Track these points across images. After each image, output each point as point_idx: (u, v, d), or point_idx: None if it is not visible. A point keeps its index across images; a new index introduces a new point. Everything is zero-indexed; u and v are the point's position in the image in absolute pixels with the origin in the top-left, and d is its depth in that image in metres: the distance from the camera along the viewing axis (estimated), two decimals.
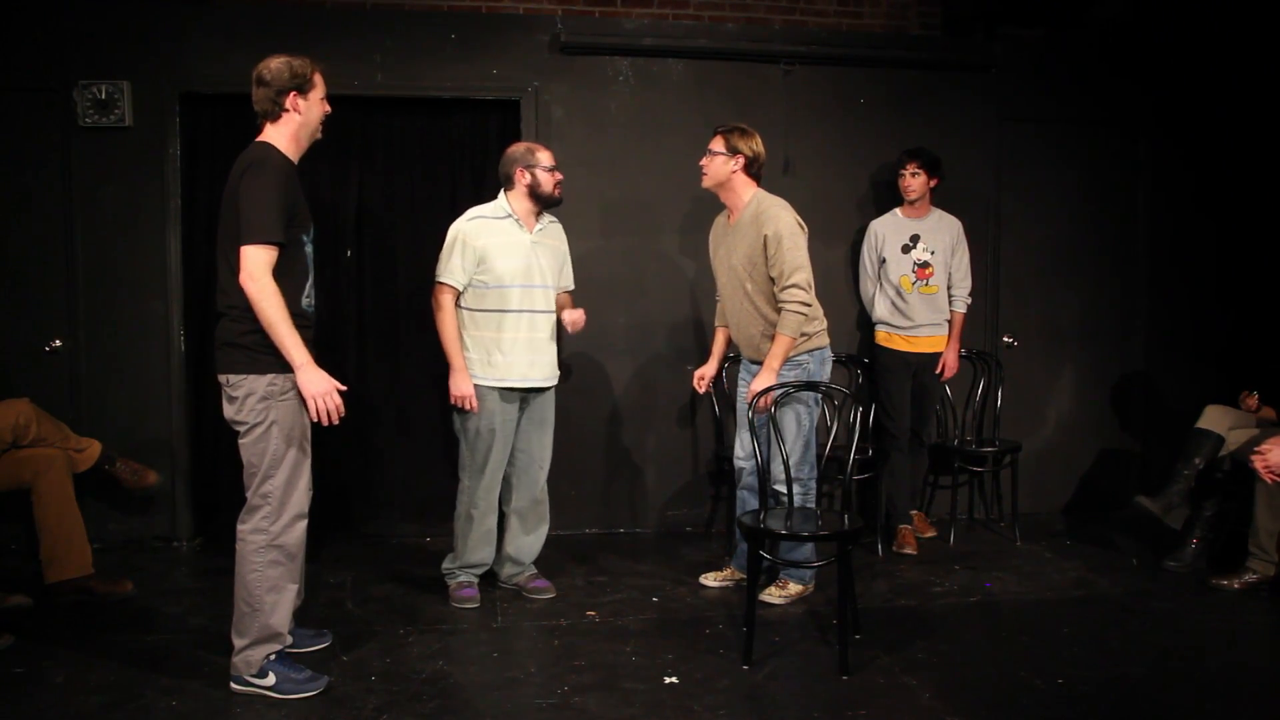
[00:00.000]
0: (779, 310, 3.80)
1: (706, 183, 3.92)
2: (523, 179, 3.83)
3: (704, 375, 4.18)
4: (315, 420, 3.04)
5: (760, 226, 3.79)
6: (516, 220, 3.85)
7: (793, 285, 3.74)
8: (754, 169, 3.90)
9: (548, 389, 3.99)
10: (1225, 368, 5.29)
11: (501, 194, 3.90)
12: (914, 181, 4.67)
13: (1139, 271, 5.47)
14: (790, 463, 3.74)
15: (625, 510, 5.05)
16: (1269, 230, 5.41)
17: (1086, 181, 5.39)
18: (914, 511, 4.90)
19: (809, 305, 3.79)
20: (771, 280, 3.80)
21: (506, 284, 3.80)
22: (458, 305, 3.85)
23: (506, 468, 3.97)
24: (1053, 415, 5.42)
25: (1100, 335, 5.45)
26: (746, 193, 3.89)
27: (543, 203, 3.88)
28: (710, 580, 4.22)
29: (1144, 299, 5.48)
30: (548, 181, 3.85)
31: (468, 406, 3.82)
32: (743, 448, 4.03)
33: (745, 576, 3.86)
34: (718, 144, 3.87)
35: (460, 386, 3.81)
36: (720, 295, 4.08)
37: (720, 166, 3.86)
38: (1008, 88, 5.24)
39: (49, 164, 4.52)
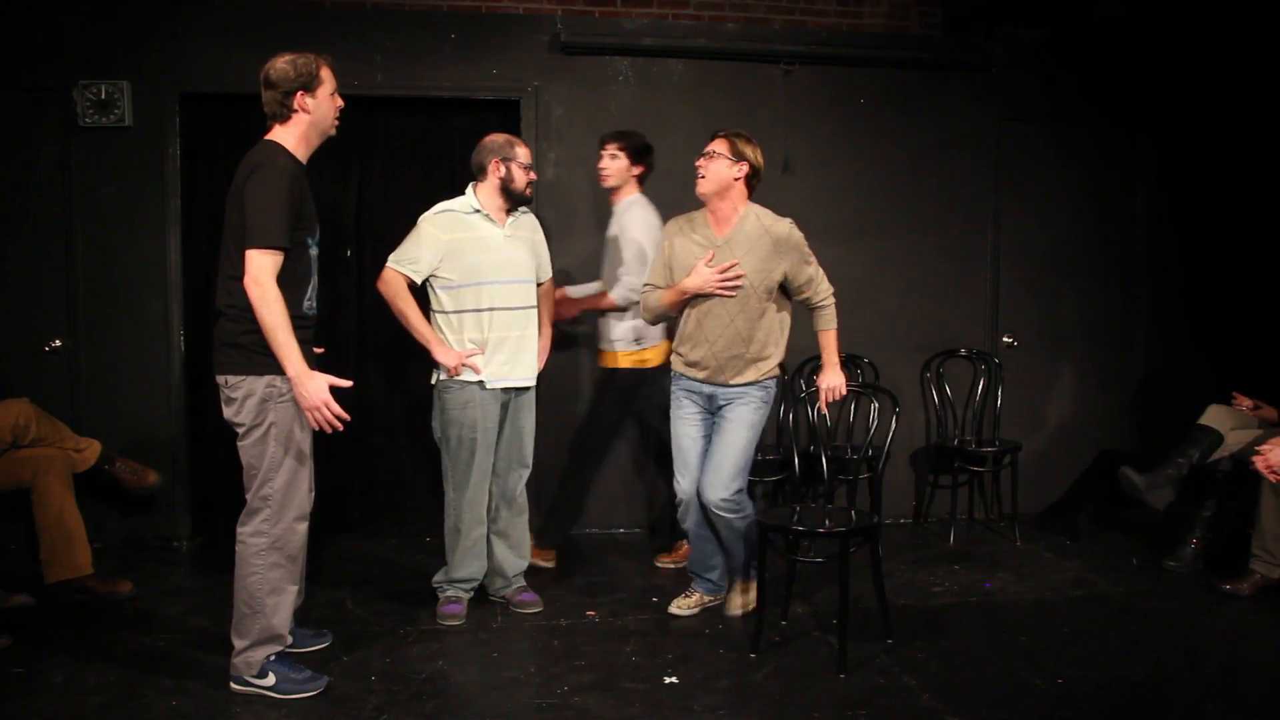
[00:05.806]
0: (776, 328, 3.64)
1: (704, 187, 3.56)
2: (497, 172, 3.71)
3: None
4: (316, 429, 3.01)
5: (776, 239, 3.54)
6: (486, 215, 3.72)
7: (827, 284, 3.69)
8: (754, 181, 3.62)
9: (528, 389, 3.86)
10: (1225, 368, 5.29)
11: (470, 188, 3.77)
12: (612, 165, 4.29)
13: (1139, 271, 5.47)
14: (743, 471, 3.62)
15: (625, 510, 5.05)
16: (1269, 230, 5.40)
17: (1086, 182, 5.38)
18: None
19: None
20: (784, 291, 3.63)
21: (482, 280, 3.68)
22: (435, 310, 3.76)
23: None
24: (1053, 415, 5.42)
25: (1100, 335, 5.45)
26: (741, 204, 3.60)
27: (514, 200, 3.76)
28: (680, 609, 3.88)
29: (1144, 299, 5.47)
30: (521, 179, 3.74)
31: (467, 364, 3.65)
32: (687, 478, 3.75)
33: (714, 600, 3.89)
34: (721, 146, 3.56)
35: (447, 357, 3.67)
36: (694, 308, 3.62)
37: (724, 171, 3.54)
38: (1007, 88, 5.24)
39: (49, 164, 4.52)
